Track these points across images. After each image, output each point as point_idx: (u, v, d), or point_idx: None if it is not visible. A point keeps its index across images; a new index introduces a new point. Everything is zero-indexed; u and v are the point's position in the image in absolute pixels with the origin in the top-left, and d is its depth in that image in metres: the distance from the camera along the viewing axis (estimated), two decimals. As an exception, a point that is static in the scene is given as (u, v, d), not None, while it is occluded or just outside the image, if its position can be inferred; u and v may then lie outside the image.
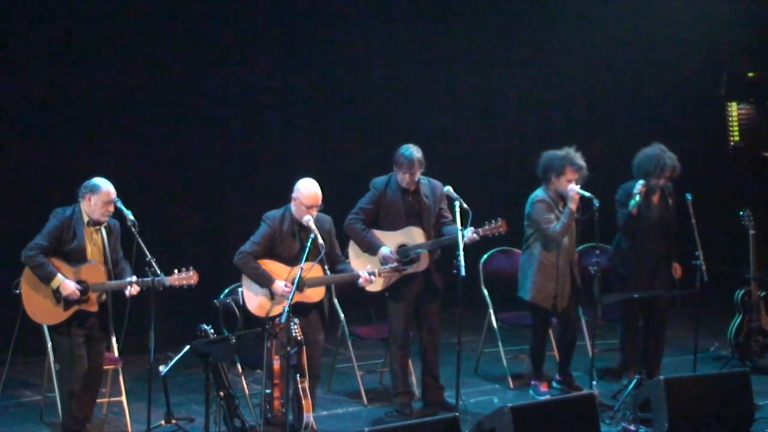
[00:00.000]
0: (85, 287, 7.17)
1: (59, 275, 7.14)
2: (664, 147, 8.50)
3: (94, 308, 7.25)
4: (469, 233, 7.75)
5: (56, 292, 7.15)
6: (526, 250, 8.37)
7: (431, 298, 8.07)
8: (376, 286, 7.93)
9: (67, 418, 7.30)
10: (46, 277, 7.13)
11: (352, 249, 8.06)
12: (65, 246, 7.21)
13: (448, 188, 7.91)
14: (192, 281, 7.35)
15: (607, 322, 9.04)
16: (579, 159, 8.21)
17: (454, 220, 7.76)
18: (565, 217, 8.14)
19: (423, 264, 7.97)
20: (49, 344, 7.52)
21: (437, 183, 8.06)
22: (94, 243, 7.29)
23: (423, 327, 8.16)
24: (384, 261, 7.88)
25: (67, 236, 7.21)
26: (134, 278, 7.21)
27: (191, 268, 7.35)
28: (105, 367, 7.65)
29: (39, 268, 7.13)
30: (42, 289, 7.18)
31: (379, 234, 7.98)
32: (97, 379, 7.43)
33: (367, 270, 7.69)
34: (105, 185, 7.22)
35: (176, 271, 7.30)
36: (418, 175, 7.93)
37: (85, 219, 7.24)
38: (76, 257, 7.23)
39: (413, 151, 7.89)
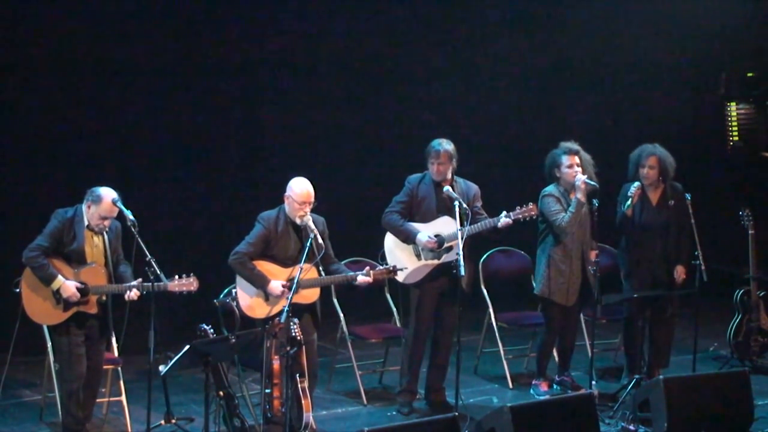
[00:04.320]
0: (85, 289, 7.17)
1: (60, 277, 7.14)
2: (659, 145, 8.53)
3: (94, 310, 7.25)
4: (503, 218, 7.82)
5: (56, 293, 7.16)
6: (540, 246, 8.41)
7: (454, 299, 8.04)
8: (404, 275, 7.94)
9: (67, 418, 7.30)
10: (47, 279, 7.13)
11: (388, 242, 8.10)
12: (65, 247, 7.22)
13: (447, 188, 7.93)
14: (192, 288, 7.32)
15: (609, 322, 9.04)
16: (571, 143, 8.29)
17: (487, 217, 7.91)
18: (573, 207, 8.15)
19: (455, 253, 7.97)
20: (49, 344, 7.52)
21: (472, 184, 8.14)
22: (95, 245, 7.28)
23: (439, 325, 8.16)
24: (422, 246, 7.92)
25: (67, 238, 7.21)
26: (137, 282, 7.18)
27: (191, 274, 7.34)
28: (105, 367, 7.65)
29: (40, 269, 7.13)
30: (42, 290, 7.18)
31: (415, 225, 8.03)
32: (97, 378, 7.44)
33: (363, 272, 7.69)
34: (106, 199, 7.16)
35: (177, 276, 7.29)
36: (448, 169, 7.98)
37: (86, 222, 7.24)
38: (75, 259, 7.23)
39: (442, 143, 8.00)
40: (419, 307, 8.09)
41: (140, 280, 7.21)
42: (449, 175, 8.03)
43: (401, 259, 7.99)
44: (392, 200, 8.14)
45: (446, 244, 7.96)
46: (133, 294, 7.17)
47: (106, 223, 7.22)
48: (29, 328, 7.46)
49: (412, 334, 8.14)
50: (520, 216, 7.90)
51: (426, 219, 8.04)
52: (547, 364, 8.58)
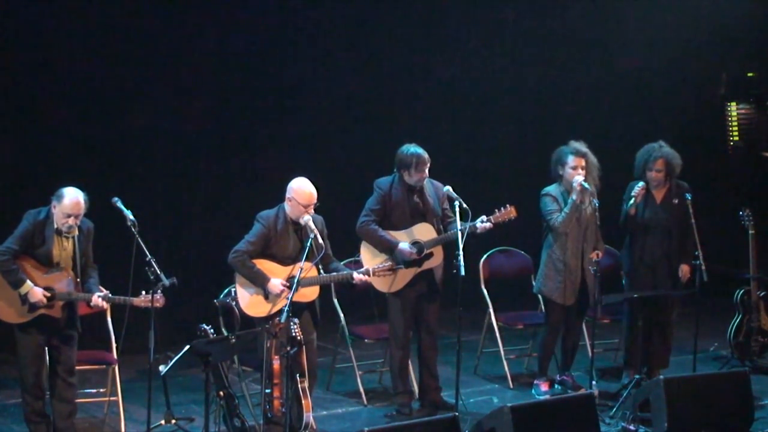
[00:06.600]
0: (52, 295, 7.15)
1: (28, 282, 7.10)
2: (664, 143, 8.54)
3: (58, 315, 7.21)
4: (479, 224, 7.77)
5: (23, 297, 7.13)
6: (543, 244, 8.41)
7: (432, 299, 8.09)
8: (385, 284, 7.92)
9: (26, 408, 7.32)
10: (16, 283, 7.10)
11: (365, 251, 8.05)
12: (35, 249, 7.17)
13: (448, 188, 7.93)
14: (158, 304, 7.15)
15: (611, 322, 9.04)
16: (580, 145, 8.27)
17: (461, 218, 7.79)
18: (568, 208, 8.16)
19: (437, 259, 7.97)
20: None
21: (439, 184, 8.08)
22: (63, 248, 7.21)
23: (422, 327, 8.16)
24: (403, 256, 7.85)
25: (37, 240, 7.16)
26: (105, 293, 7.18)
27: (159, 291, 7.13)
28: (104, 367, 7.69)
29: (10, 273, 7.09)
30: (9, 290, 7.15)
31: (392, 233, 7.99)
32: (71, 377, 7.34)
33: (361, 270, 7.69)
34: (69, 198, 7.08)
35: (143, 292, 7.18)
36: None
37: (55, 225, 7.16)
38: (42, 261, 7.18)
39: (419, 149, 7.91)
40: (400, 314, 8.05)
41: (107, 292, 7.21)
42: None
43: None
44: (365, 207, 8.04)
45: (426, 251, 7.93)
46: (96, 301, 7.16)
47: (71, 221, 7.11)
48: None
49: (395, 339, 8.11)
50: (500, 219, 7.86)
51: (400, 225, 7.98)
52: (549, 364, 8.58)
